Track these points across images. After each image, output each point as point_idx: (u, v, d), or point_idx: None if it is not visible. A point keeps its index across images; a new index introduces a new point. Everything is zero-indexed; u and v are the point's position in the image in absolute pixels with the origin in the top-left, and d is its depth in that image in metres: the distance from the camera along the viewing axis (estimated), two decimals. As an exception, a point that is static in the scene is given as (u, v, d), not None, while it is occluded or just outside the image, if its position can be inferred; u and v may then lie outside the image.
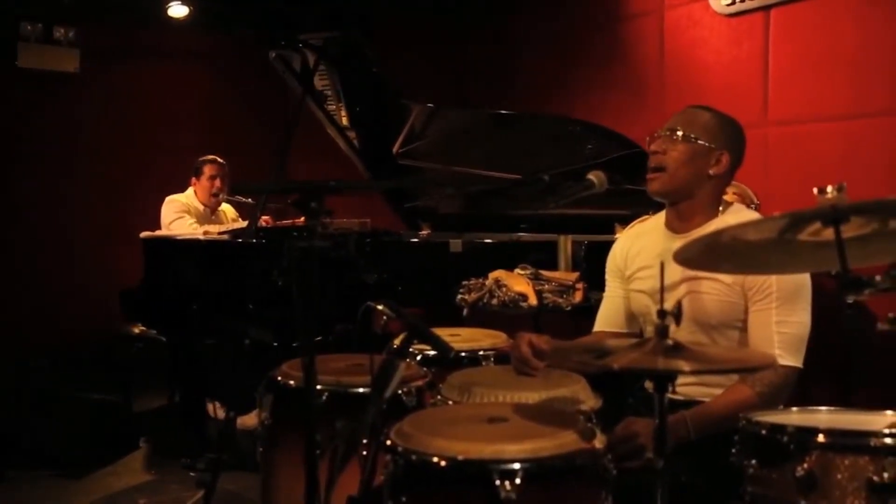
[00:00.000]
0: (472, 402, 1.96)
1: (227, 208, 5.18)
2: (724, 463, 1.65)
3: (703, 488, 1.89)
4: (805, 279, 2.04)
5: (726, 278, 2.07)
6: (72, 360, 5.18)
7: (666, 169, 2.15)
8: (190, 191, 4.97)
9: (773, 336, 2.00)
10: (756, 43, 4.10)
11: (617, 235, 3.08)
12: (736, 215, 2.16)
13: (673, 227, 2.23)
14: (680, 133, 2.14)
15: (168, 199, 4.87)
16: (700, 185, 2.15)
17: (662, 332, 1.56)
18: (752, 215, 2.29)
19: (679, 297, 2.06)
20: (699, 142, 2.13)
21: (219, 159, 5.00)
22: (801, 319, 2.02)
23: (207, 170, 4.94)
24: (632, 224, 2.97)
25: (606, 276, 2.44)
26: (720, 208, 2.20)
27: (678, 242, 1.65)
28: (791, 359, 2.00)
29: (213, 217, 5.02)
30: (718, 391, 2.06)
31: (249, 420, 4.14)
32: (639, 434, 1.84)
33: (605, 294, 2.44)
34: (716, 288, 2.08)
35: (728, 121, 2.20)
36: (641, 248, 2.31)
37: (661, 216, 2.30)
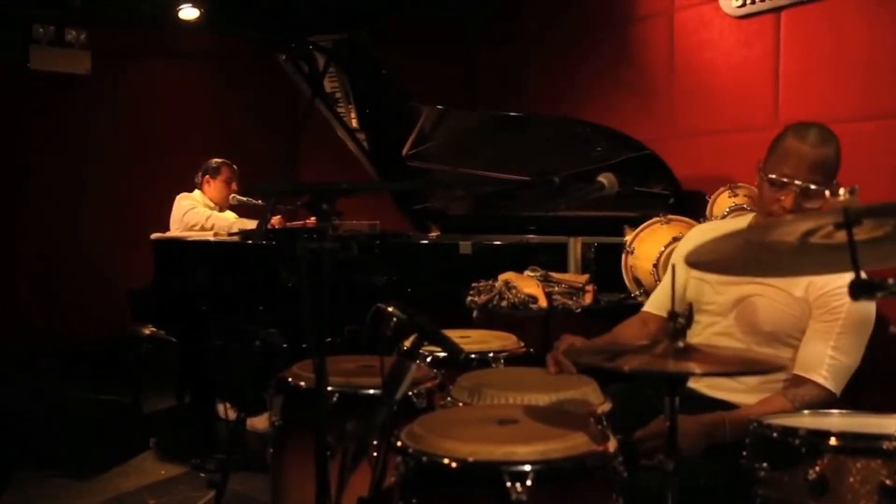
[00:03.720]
0: (483, 404, 1.96)
1: (227, 211, 5.19)
2: (735, 465, 1.64)
3: (715, 490, 1.88)
4: (872, 313, 2.04)
5: (797, 290, 2.07)
6: (81, 360, 5.21)
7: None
8: (197, 192, 4.97)
9: (825, 358, 2.02)
10: (766, 45, 4.08)
11: (626, 238, 3.08)
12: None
13: None
14: (813, 188, 2.06)
15: (180, 195, 4.90)
16: None
17: (675, 334, 1.56)
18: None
19: (743, 295, 2.11)
20: (819, 188, 2.07)
21: (230, 163, 5.02)
22: (855, 353, 2.04)
23: (225, 171, 4.96)
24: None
25: (672, 260, 2.44)
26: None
27: None
28: (833, 385, 2.01)
29: (220, 218, 5.03)
30: (749, 394, 2.10)
31: (259, 422, 4.15)
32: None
33: (664, 277, 2.46)
34: (782, 298, 2.09)
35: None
36: None
37: (748, 218, 2.32)
